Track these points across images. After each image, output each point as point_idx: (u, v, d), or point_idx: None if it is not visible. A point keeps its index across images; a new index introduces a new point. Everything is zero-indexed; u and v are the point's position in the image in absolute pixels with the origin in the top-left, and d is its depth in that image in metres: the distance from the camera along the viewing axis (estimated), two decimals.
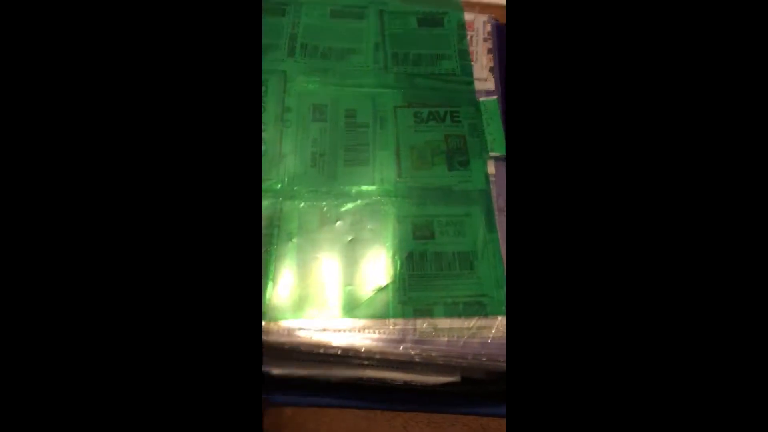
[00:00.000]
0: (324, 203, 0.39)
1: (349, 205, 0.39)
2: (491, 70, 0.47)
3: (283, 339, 0.34)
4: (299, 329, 0.34)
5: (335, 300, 0.35)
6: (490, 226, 0.39)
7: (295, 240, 0.37)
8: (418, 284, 0.36)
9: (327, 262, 0.37)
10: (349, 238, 0.38)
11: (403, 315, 0.35)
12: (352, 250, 0.37)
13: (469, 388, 0.35)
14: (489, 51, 0.49)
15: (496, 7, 0.54)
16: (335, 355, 0.34)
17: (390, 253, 0.37)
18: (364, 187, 0.40)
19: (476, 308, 0.35)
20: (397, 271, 0.36)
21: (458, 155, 0.42)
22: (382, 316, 0.35)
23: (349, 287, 0.36)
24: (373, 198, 0.40)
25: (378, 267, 0.37)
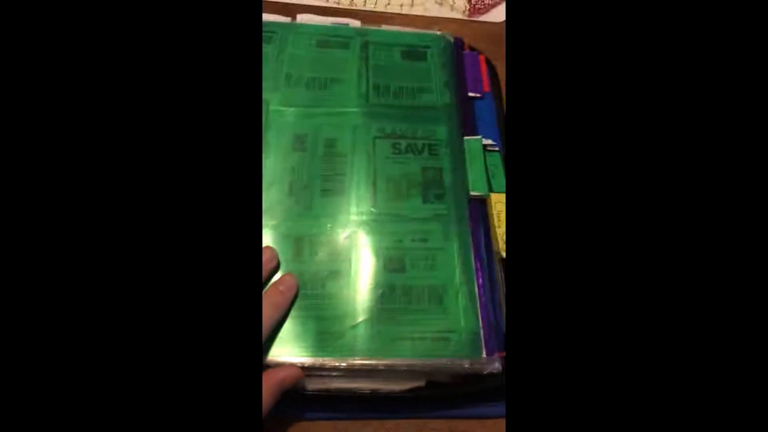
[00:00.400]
0: (298, 234, 0.39)
1: (323, 237, 0.39)
2: (445, 84, 0.48)
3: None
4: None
5: (308, 338, 0.35)
6: (466, 261, 0.39)
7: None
8: (388, 318, 0.36)
9: (301, 296, 0.37)
10: (325, 272, 0.38)
11: (372, 350, 0.35)
12: (325, 284, 0.37)
13: (434, 391, 0.35)
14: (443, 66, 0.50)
15: (452, 21, 0.56)
16: (302, 368, 0.34)
17: (364, 286, 0.37)
18: (340, 218, 0.40)
19: (443, 344, 0.35)
20: (369, 306, 0.37)
21: (434, 188, 0.42)
22: (351, 354, 0.35)
23: (322, 323, 0.36)
24: (348, 229, 0.40)
25: (351, 303, 0.37)
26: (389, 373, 0.34)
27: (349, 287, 0.37)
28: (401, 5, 0.57)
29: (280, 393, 0.32)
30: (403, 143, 0.44)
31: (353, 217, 0.40)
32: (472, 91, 0.49)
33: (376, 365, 0.34)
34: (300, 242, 0.39)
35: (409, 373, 0.34)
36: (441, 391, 0.35)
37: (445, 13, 0.58)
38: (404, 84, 0.48)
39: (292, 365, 0.33)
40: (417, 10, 0.57)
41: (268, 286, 0.36)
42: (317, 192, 0.41)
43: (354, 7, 0.57)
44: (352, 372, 0.34)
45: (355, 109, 0.46)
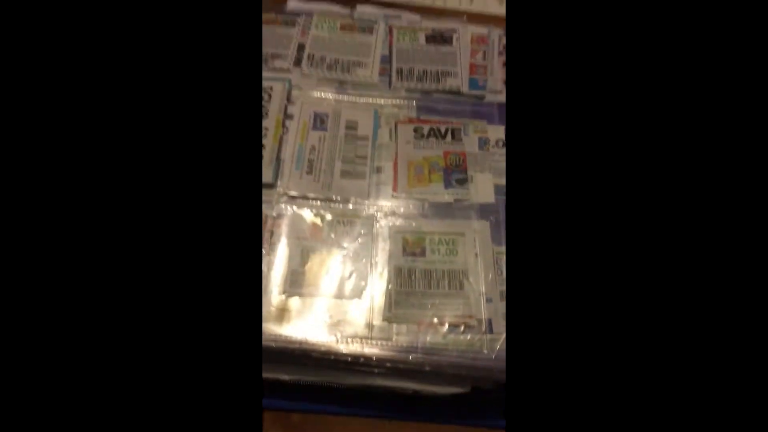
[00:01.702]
0: (315, 212, 0.39)
1: (342, 217, 0.39)
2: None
3: (293, 345, 0.34)
4: (309, 335, 0.34)
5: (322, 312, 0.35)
6: (498, 239, 0.39)
7: (286, 246, 0.38)
8: (404, 301, 0.36)
9: (320, 273, 0.37)
10: (341, 250, 0.38)
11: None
12: (341, 262, 0.37)
13: (478, 398, 0.35)
14: (504, 64, 0.48)
15: None
16: (345, 362, 0.34)
17: (379, 268, 0.37)
18: (359, 200, 0.40)
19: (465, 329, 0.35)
20: (385, 287, 0.36)
21: (456, 173, 0.42)
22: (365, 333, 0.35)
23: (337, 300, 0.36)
24: (367, 212, 0.40)
25: (365, 281, 0.37)
26: (434, 375, 0.34)
27: (365, 267, 0.37)
28: (460, 1, 0.55)
29: None
30: (426, 128, 0.44)
31: (373, 200, 0.40)
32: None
33: (422, 366, 0.33)
34: (318, 221, 0.39)
35: (454, 377, 0.34)
36: (485, 399, 0.35)
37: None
38: (428, 67, 0.47)
39: None
40: (477, 6, 0.55)
41: None
42: (337, 173, 0.41)
43: (413, 2, 0.55)
44: (396, 371, 0.34)
45: (377, 93, 0.45)
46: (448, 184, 0.41)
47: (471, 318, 0.35)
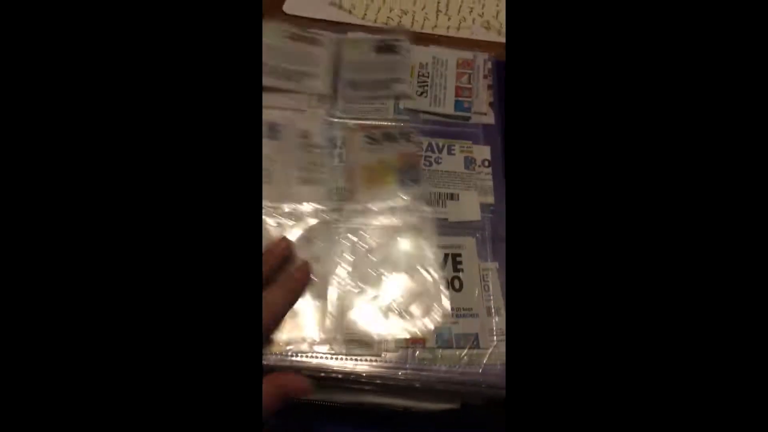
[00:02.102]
0: (272, 221, 0.40)
1: (300, 224, 0.40)
2: (491, 105, 0.48)
3: (282, 364, 0.34)
4: (298, 354, 0.34)
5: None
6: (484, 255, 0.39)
7: None
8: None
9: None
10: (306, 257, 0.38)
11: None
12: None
13: (468, 414, 0.35)
14: (489, 87, 0.50)
15: (496, 45, 0.55)
16: (335, 380, 0.34)
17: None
18: (315, 205, 0.41)
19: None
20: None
21: (411, 173, 0.43)
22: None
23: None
24: (324, 216, 0.40)
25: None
26: (424, 392, 0.34)
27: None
28: (447, 28, 0.57)
29: (281, 399, 0.31)
30: (378, 133, 0.45)
31: (329, 204, 0.41)
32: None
33: (413, 382, 0.34)
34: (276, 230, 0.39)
35: (444, 393, 0.34)
36: (475, 415, 0.35)
37: (492, 37, 0.57)
38: (378, 77, 0.48)
39: (299, 376, 0.33)
40: (463, 33, 0.57)
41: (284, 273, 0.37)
42: (294, 180, 0.42)
43: (401, 27, 0.56)
44: (386, 388, 0.34)
45: (328, 103, 0.46)
46: (403, 185, 0.42)
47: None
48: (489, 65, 0.51)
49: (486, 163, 0.44)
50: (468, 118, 0.47)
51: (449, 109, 0.48)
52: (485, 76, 0.50)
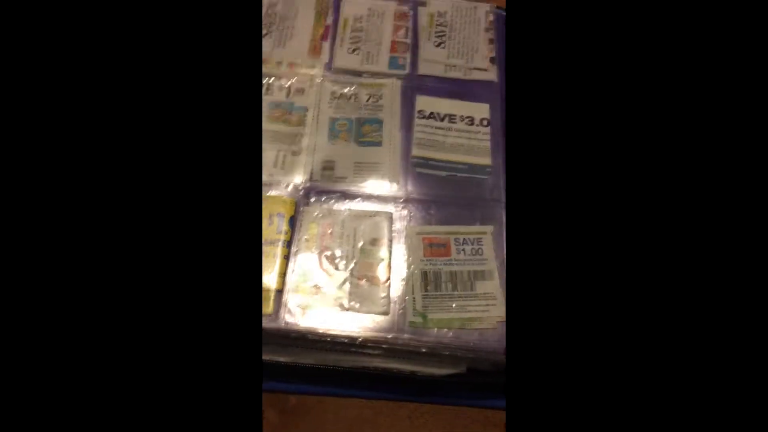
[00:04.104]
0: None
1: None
2: (492, 60, 0.47)
3: (289, 327, 0.35)
4: (306, 317, 0.35)
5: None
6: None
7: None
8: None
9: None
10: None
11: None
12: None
13: (473, 379, 0.35)
14: (491, 41, 0.48)
15: None
16: (342, 344, 0.35)
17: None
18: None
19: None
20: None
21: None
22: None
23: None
24: None
25: None
26: (430, 356, 0.34)
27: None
28: None
29: None
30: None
31: None
32: None
33: (419, 347, 0.34)
34: None
35: (451, 358, 0.35)
36: (481, 380, 0.35)
37: None
38: None
39: None
40: None
41: None
42: None
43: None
44: (392, 352, 0.35)
45: None
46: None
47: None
48: (491, 17, 0.49)
49: (485, 122, 0.44)
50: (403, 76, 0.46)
51: (383, 66, 0.46)
52: (486, 29, 0.48)
